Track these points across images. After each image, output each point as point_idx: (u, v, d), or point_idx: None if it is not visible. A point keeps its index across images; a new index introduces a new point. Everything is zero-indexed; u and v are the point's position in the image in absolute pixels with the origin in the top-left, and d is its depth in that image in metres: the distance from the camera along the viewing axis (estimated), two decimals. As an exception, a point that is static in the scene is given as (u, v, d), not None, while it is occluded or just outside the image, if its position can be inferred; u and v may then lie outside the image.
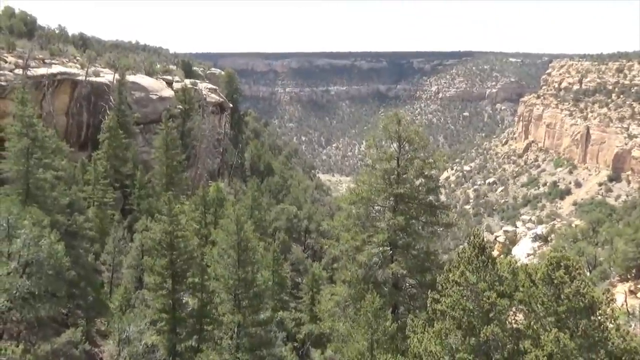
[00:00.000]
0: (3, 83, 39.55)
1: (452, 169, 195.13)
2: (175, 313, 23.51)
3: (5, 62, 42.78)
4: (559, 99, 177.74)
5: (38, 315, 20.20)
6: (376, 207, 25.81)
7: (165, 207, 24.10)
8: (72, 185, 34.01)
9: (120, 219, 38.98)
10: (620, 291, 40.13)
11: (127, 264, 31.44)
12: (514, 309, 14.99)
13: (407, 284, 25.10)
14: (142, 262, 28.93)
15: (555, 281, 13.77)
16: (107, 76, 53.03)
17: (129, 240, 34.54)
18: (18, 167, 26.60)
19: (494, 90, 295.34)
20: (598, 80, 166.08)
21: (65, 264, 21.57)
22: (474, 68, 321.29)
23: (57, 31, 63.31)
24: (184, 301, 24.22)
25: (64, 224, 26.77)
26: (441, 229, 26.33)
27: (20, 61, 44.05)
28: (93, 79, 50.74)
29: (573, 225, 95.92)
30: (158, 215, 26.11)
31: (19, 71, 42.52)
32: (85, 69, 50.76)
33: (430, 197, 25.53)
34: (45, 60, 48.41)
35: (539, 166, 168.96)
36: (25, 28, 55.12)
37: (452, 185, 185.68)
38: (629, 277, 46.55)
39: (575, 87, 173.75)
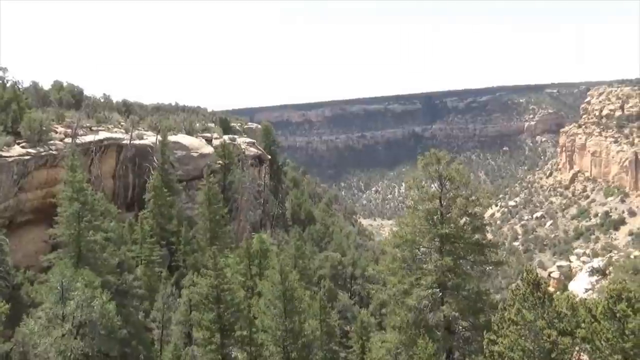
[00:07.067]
0: (54, 152, 41.61)
1: (496, 205, 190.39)
2: (225, 368, 23.33)
3: (56, 132, 45.14)
4: (601, 127, 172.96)
5: (92, 376, 20.41)
6: (422, 249, 25.33)
7: (211, 262, 24.40)
8: (121, 245, 34.90)
9: (167, 276, 39.48)
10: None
11: (176, 320, 31.60)
12: (577, 347, 14.14)
13: (460, 327, 24.21)
14: (190, 318, 29.05)
15: (618, 315, 12.98)
16: (150, 138, 55.07)
17: (177, 296, 34.85)
18: (70, 231, 27.59)
19: (532, 123, 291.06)
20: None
21: (116, 323, 21.92)
22: (509, 102, 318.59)
23: (102, 100, 66.70)
24: (233, 356, 24.08)
25: (114, 283, 27.39)
26: (491, 267, 25.59)
27: (69, 130, 46.39)
28: (137, 141, 52.79)
29: (632, 256, 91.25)
30: (204, 270, 26.39)
31: (68, 140, 44.74)
32: (130, 133, 52.95)
33: (477, 236, 24.93)
34: (92, 128, 50.83)
35: (588, 196, 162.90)
36: (73, 99, 58.34)
37: (498, 222, 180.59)
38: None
39: (617, 113, 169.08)
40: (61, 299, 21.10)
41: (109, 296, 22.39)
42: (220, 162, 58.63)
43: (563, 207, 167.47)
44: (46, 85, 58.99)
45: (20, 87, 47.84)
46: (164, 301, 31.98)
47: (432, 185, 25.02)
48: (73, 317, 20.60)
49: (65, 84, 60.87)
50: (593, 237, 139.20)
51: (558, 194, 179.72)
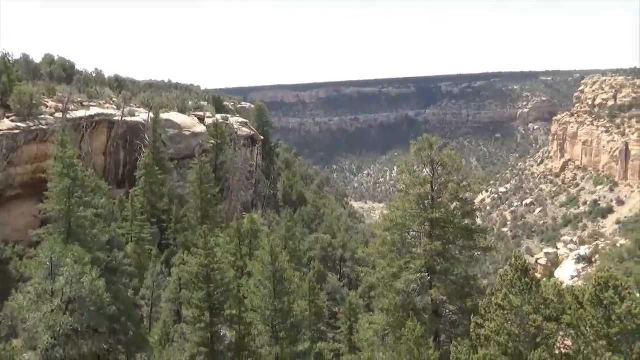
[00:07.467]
0: (44, 127, 41.15)
1: (487, 191, 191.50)
2: (214, 346, 23.51)
3: (46, 106, 44.58)
4: (593, 116, 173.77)
5: (81, 352, 20.49)
6: (412, 233, 25.44)
7: (201, 241, 24.40)
8: (111, 222, 34.79)
9: (157, 254, 39.52)
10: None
11: (166, 298, 31.73)
12: (561, 333, 14.37)
13: (448, 311, 24.49)
14: (180, 296, 29.18)
15: (605, 302, 13.19)
16: (142, 115, 54.59)
17: (166, 274, 34.94)
18: (60, 207, 27.40)
19: (525, 110, 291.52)
20: (634, 95, 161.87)
21: (106, 300, 21.96)
22: (503, 89, 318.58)
23: (94, 74, 65.86)
24: (222, 334, 24.25)
25: (104, 260, 27.34)
26: (479, 253, 25.76)
27: (60, 105, 45.83)
28: (129, 118, 52.32)
29: (618, 244, 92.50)
30: (194, 249, 26.43)
31: (59, 115, 44.21)
32: (121, 110, 52.43)
33: (467, 221, 25.06)
34: (84, 103, 50.26)
35: (577, 185, 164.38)
36: (64, 73, 57.56)
37: (488, 207, 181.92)
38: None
39: (610, 103, 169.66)
40: (50, 275, 21.04)
41: (98, 273, 22.36)
42: (213, 141, 58.33)
43: (553, 194, 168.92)
44: (37, 58, 58.25)
45: (10, 59, 47.05)
46: (154, 279, 32.09)
47: (424, 170, 25.04)
48: (62, 292, 20.58)
49: (56, 58, 60.03)
50: (581, 224, 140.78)
51: (548, 181, 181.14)
